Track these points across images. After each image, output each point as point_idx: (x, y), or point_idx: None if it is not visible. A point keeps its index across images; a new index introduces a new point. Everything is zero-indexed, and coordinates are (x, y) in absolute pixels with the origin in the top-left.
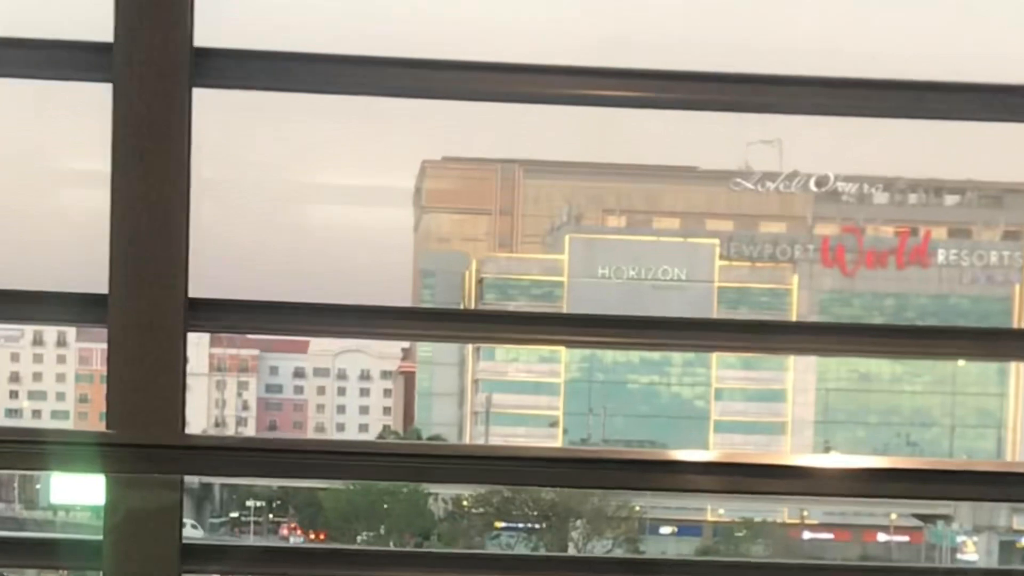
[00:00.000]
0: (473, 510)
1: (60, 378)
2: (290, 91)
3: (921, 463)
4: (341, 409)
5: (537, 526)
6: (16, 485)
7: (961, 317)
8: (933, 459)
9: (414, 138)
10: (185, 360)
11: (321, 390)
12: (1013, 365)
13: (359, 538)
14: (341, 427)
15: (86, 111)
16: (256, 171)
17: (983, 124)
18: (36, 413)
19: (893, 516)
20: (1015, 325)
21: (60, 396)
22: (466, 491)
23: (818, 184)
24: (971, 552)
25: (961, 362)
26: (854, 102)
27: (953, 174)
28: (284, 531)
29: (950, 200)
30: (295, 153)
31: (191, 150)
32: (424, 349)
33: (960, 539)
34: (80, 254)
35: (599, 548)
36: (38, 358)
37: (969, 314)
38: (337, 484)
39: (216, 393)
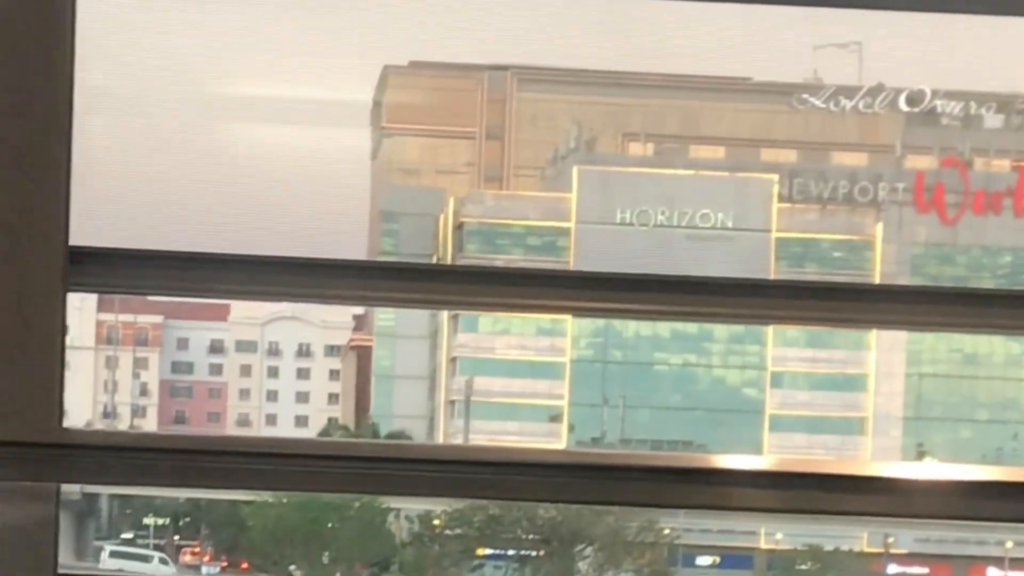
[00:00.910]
0: (448, 531)
1: None
2: None
3: None
4: (272, 396)
5: (533, 553)
6: None
7: None
8: None
9: (373, 35)
10: (64, 329)
11: (245, 370)
12: None
13: (293, 569)
14: (272, 420)
15: None
16: (162, 78)
17: None
18: None
19: (1008, 544)
20: None
21: None
22: (439, 506)
23: (910, 102)
24: None
25: None
26: None
27: None
28: (187, 557)
29: None
30: (213, 54)
31: (75, 48)
32: (384, 317)
33: None
34: None
35: None
36: None
37: None
38: (266, 496)
39: (105, 373)
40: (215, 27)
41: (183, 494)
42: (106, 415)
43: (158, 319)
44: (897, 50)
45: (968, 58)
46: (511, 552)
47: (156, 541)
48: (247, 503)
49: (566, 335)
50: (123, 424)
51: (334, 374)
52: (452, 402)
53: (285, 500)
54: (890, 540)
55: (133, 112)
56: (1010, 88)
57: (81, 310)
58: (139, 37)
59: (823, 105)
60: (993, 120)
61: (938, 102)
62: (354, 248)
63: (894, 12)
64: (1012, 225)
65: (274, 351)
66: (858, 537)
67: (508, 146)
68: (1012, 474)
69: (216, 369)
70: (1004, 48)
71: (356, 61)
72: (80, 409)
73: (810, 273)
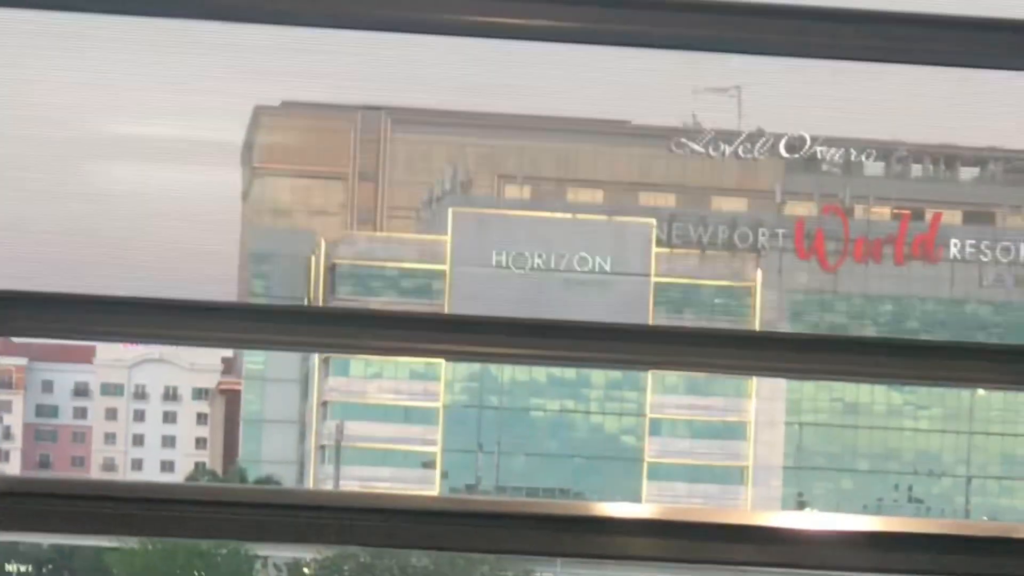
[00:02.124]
0: None
1: None
2: (80, 11)
3: (929, 526)
4: (138, 440)
5: None
6: None
7: (981, 330)
8: (944, 521)
9: (245, 76)
10: None
11: (111, 413)
12: None
13: None
14: (138, 464)
15: None
16: (31, 117)
17: (1011, 74)
18: None
19: None
20: None
21: None
22: (308, 553)
23: (790, 148)
24: None
25: (981, 391)
26: (839, 40)
27: (971, 139)
28: None
29: (967, 174)
30: (85, 94)
31: None
32: (254, 360)
33: None
34: None
35: None
36: None
37: (992, 326)
38: (131, 543)
39: None
40: (85, 69)
41: (47, 540)
42: None
43: (22, 361)
44: (777, 96)
45: (849, 105)
46: None
47: None
48: (113, 550)
49: (440, 380)
50: None
51: (202, 418)
52: (323, 447)
53: (151, 547)
54: None
55: (4, 162)
56: (891, 135)
57: None
58: (7, 71)
59: (702, 149)
60: (873, 167)
61: (818, 148)
62: (224, 290)
63: (774, 58)
64: (892, 273)
65: (140, 394)
66: None
67: (382, 187)
68: (894, 525)
69: (81, 412)
70: (885, 95)
71: (228, 101)
72: None
73: (689, 319)
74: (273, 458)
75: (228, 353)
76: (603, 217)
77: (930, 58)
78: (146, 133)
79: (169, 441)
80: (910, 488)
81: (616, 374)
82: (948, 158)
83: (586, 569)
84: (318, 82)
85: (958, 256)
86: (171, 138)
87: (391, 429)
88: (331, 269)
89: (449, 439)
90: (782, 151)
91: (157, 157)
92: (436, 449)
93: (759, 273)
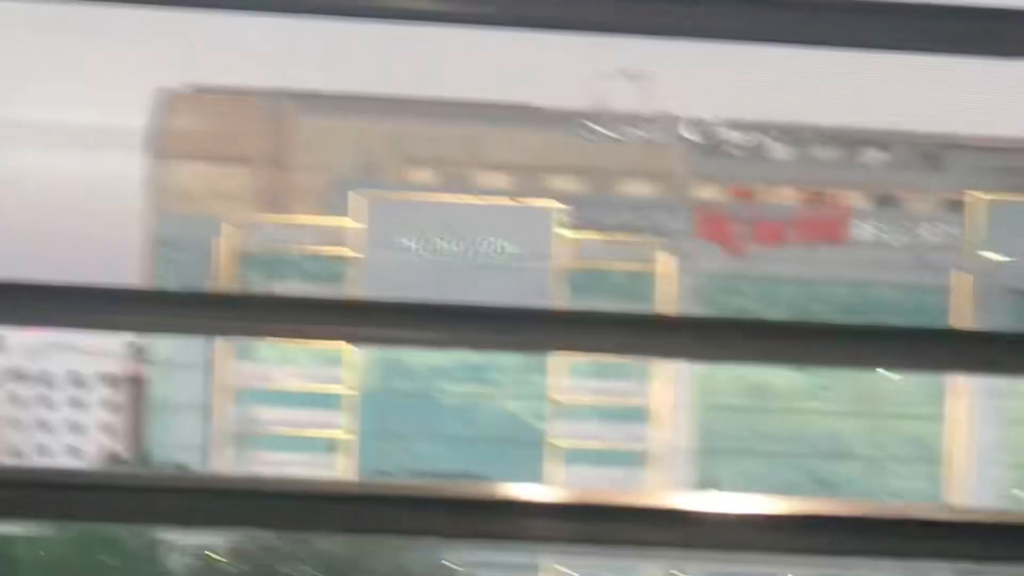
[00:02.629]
0: (226, 566)
1: None
2: None
3: (834, 508)
4: (43, 425)
5: None
6: None
7: (886, 313)
8: (849, 503)
9: (148, 58)
10: None
11: (14, 399)
12: (955, 379)
13: None
14: (43, 450)
15: None
16: None
17: (916, 57)
18: None
19: None
20: (954, 325)
21: None
22: (217, 539)
23: (696, 131)
24: None
25: (886, 373)
26: (745, 23)
27: (877, 123)
28: None
29: (872, 157)
30: None
31: None
32: (161, 346)
33: None
34: None
35: None
36: None
37: (896, 309)
38: (38, 529)
39: None
40: None
41: None
42: None
43: None
44: (684, 79)
45: (755, 88)
46: None
47: None
48: (18, 536)
49: (348, 365)
50: None
51: (108, 404)
52: (231, 433)
53: (58, 533)
54: (678, 575)
55: None
56: (796, 119)
57: None
58: None
59: (608, 133)
60: (780, 151)
61: (724, 131)
62: (129, 274)
63: (681, 41)
64: (798, 257)
65: (45, 380)
66: (645, 572)
67: (287, 172)
68: (800, 507)
69: None
70: (791, 79)
71: (132, 85)
72: None
73: (594, 302)
74: (180, 443)
75: (134, 339)
76: (509, 201)
77: (837, 41)
78: (48, 119)
79: (76, 427)
80: (816, 470)
81: (522, 358)
82: (854, 141)
83: (492, 551)
84: (223, 66)
85: (863, 239)
86: (73, 124)
87: (298, 414)
88: (237, 254)
89: (357, 424)
90: (688, 135)
91: (60, 143)
92: (343, 433)
93: (664, 256)
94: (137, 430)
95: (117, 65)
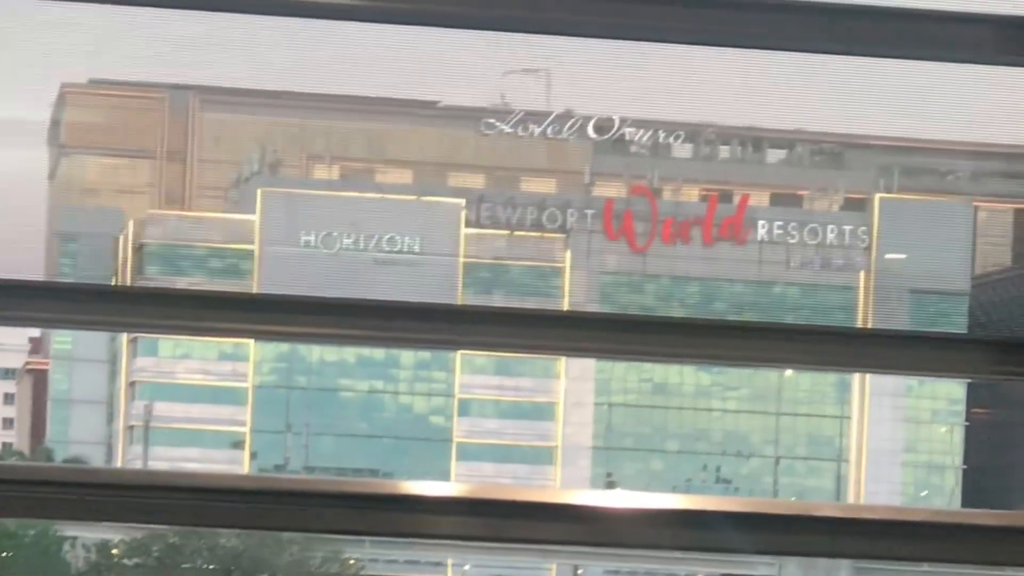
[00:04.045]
0: (126, 560)
1: None
2: None
3: (736, 504)
4: None
5: None
6: None
7: (789, 312)
8: (752, 500)
9: (51, 53)
10: None
11: None
12: (856, 378)
13: None
14: None
15: None
16: None
17: (819, 57)
18: None
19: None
20: (859, 324)
21: None
22: (117, 534)
23: (599, 129)
24: None
25: (789, 372)
26: (648, 21)
27: (778, 122)
28: None
29: (774, 156)
30: None
31: None
32: (61, 340)
33: None
34: None
35: None
36: None
37: (799, 308)
38: None
39: None
40: None
41: None
42: None
43: None
44: (586, 77)
45: (658, 87)
46: None
47: None
48: None
49: (249, 360)
50: None
51: (8, 398)
52: (131, 428)
53: None
54: (580, 572)
55: None
56: (699, 117)
57: None
58: None
59: (511, 130)
60: (682, 149)
61: (627, 130)
62: (30, 268)
63: (583, 39)
64: (701, 255)
65: None
66: (547, 569)
67: (191, 167)
68: (702, 503)
69: None
70: (694, 78)
71: (34, 78)
72: None
73: (498, 299)
74: (81, 438)
75: (35, 333)
76: (412, 197)
77: (737, 41)
78: None
79: None
80: (718, 468)
81: (425, 354)
82: (755, 140)
83: (395, 548)
84: (125, 60)
85: (765, 238)
86: None
87: (200, 409)
88: (139, 248)
89: (258, 419)
90: (591, 132)
91: None
92: (245, 429)
93: (568, 254)
94: (38, 425)
95: (20, 59)
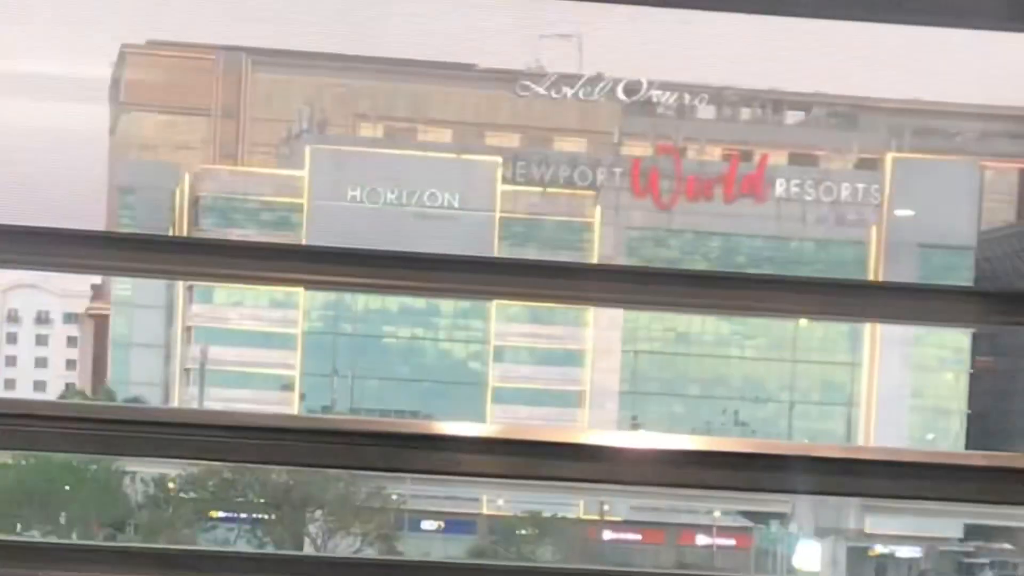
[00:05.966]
0: (182, 494)
1: None
2: None
3: (752, 446)
4: (11, 361)
5: (265, 516)
6: None
7: (804, 265)
8: (767, 442)
9: (112, 13)
10: None
11: None
12: (867, 328)
13: (21, 528)
14: (10, 384)
15: None
16: None
17: (836, 23)
18: None
19: (716, 514)
20: (870, 277)
21: None
22: (173, 469)
23: (628, 92)
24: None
25: (804, 322)
26: None
27: (797, 85)
28: None
29: (792, 117)
30: None
31: None
32: (121, 287)
33: (798, 543)
34: None
35: (344, 547)
36: None
37: (814, 262)
38: (3, 457)
39: None
40: None
41: None
42: None
43: None
44: (616, 41)
45: (683, 51)
46: (243, 515)
47: None
48: None
49: (298, 307)
50: None
51: (72, 341)
52: (187, 370)
53: (23, 461)
54: (606, 508)
55: None
56: (722, 80)
57: None
58: None
59: (545, 92)
60: (706, 111)
61: (654, 92)
62: (92, 219)
63: (614, 4)
64: (722, 211)
65: (13, 318)
66: (575, 505)
67: (243, 124)
68: (721, 445)
69: None
70: (718, 42)
71: (96, 38)
72: None
73: (532, 252)
74: (140, 380)
75: (97, 280)
76: (452, 155)
77: (758, 7)
78: (14, 69)
79: (41, 362)
80: (736, 412)
81: (463, 304)
82: (775, 103)
83: (434, 485)
84: (182, 22)
85: (783, 195)
86: (40, 74)
87: (252, 353)
88: (195, 202)
89: (307, 363)
90: (620, 95)
91: (26, 92)
92: (295, 373)
93: (597, 210)
94: (99, 367)
95: (83, 19)
